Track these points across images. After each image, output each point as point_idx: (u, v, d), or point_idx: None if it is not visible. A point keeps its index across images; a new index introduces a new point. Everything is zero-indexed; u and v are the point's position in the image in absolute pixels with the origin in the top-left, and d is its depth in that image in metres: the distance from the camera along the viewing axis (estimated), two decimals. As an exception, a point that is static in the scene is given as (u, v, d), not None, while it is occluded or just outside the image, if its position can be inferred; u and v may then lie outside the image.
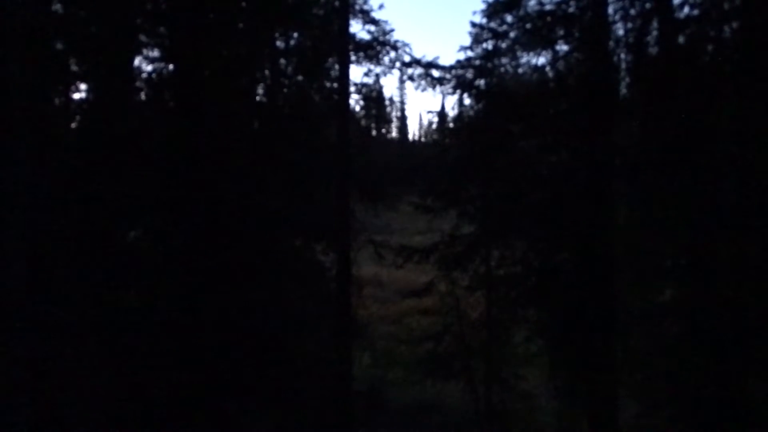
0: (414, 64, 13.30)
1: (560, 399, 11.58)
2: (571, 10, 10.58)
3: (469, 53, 12.61)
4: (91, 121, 9.94)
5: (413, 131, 71.56)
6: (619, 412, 10.27)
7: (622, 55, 10.53)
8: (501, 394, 12.41)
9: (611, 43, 10.28)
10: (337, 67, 12.93)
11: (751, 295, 8.44)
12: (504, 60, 12.34)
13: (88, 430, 7.57)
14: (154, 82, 10.09)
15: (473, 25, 12.21)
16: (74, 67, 10.00)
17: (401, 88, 61.47)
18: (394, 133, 61.46)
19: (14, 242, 7.04)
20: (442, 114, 27.44)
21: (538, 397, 12.81)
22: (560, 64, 11.08)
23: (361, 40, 13.24)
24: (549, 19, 10.71)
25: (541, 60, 11.39)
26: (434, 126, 55.55)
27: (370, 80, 13.80)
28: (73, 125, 10.39)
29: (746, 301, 8.47)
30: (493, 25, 11.91)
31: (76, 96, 10.42)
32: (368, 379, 14.59)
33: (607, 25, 10.19)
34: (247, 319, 9.26)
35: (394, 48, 13.30)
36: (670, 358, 9.74)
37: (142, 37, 10.12)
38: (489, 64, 12.47)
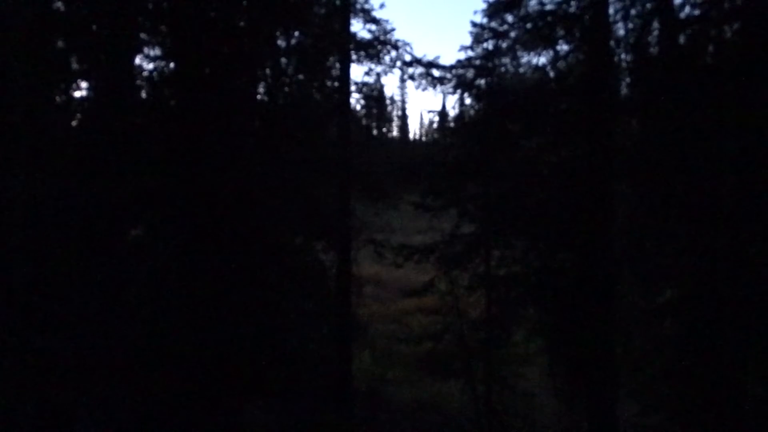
0: (415, 64, 13.31)
1: (560, 398, 11.60)
2: (571, 10, 10.58)
3: (470, 53, 12.63)
4: (92, 120, 9.95)
5: (414, 130, 71.58)
6: (619, 412, 10.29)
7: (623, 55, 10.54)
8: (500, 393, 12.42)
9: (612, 43, 10.28)
10: (338, 65, 12.95)
11: (751, 296, 8.45)
12: (505, 60, 12.35)
13: (90, 427, 7.59)
14: (154, 80, 10.10)
15: (474, 24, 12.22)
16: (75, 65, 10.00)
17: (402, 87, 61.56)
18: (395, 132, 61.52)
19: (16, 241, 7.06)
20: (442, 113, 27.41)
21: (538, 396, 12.82)
22: (561, 64, 11.09)
23: (362, 39, 13.26)
24: (550, 18, 10.71)
25: (542, 60, 11.41)
26: (435, 125, 55.62)
27: (370, 79, 13.81)
28: (74, 123, 10.40)
29: (746, 301, 8.48)
30: (493, 24, 11.92)
31: (77, 94, 10.43)
32: (368, 377, 14.62)
33: (607, 25, 10.19)
34: (247, 318, 9.26)
35: (395, 47, 13.31)
36: (669, 358, 9.76)
37: (143, 36, 10.12)
38: (490, 64, 12.48)
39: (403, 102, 61.19)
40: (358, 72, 63.93)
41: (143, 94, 10.59)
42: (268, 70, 11.79)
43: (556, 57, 11.02)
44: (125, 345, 8.18)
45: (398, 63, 13.44)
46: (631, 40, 10.16)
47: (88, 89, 10.34)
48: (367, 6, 12.99)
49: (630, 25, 10.19)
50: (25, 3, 8.16)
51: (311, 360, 10.93)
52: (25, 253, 7.29)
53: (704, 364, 8.85)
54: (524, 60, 11.91)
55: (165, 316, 8.99)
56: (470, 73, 12.87)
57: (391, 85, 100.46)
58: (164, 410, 8.49)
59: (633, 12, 10.10)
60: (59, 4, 9.80)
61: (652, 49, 10.13)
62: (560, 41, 10.88)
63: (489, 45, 12.24)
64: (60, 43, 9.55)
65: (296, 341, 10.48)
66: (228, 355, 8.95)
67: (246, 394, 9.86)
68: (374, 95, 14.76)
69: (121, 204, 8.85)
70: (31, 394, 7.27)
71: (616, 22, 10.26)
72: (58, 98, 9.87)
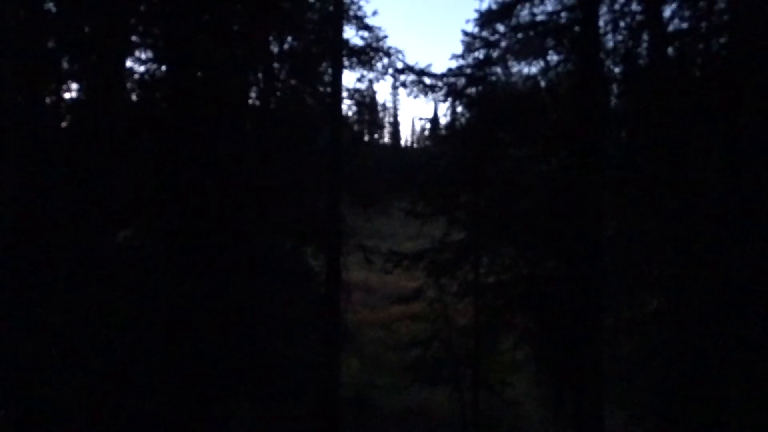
0: (407, 71, 13.34)
1: (546, 406, 11.62)
2: (562, 21, 10.69)
3: (462, 61, 12.69)
4: (82, 121, 9.89)
5: (405, 137, 71.65)
6: (605, 420, 10.33)
7: (613, 67, 10.65)
8: (488, 401, 12.42)
9: (602, 55, 10.40)
10: (330, 71, 12.95)
11: (736, 306, 8.54)
12: (496, 69, 12.44)
13: (78, 430, 7.51)
14: (146, 83, 10.06)
15: (466, 33, 12.30)
16: (66, 66, 9.96)
17: (394, 94, 61.62)
18: (386, 139, 61.45)
19: (5, 241, 6.99)
20: (434, 121, 27.42)
21: (525, 404, 12.84)
22: (551, 74, 11.19)
23: (355, 45, 13.27)
24: (540, 29, 10.82)
25: (533, 70, 11.51)
26: (426, 133, 55.68)
27: (362, 86, 13.82)
28: (64, 124, 10.33)
29: (731, 311, 8.57)
30: (485, 34, 12.00)
31: (67, 95, 10.37)
32: (356, 384, 14.55)
33: (597, 37, 10.30)
34: (234, 322, 9.22)
35: (387, 54, 13.35)
36: (656, 367, 9.82)
37: (135, 38, 10.10)
38: (481, 73, 12.55)
39: (395, 109, 61.33)
40: (350, 78, 63.75)
41: (134, 97, 10.56)
42: (260, 75, 11.81)
43: (547, 67, 11.12)
44: (112, 348, 8.11)
45: (390, 70, 13.48)
46: (621, 52, 10.28)
47: (79, 90, 10.29)
48: (360, 13, 13.03)
49: (619, 37, 10.32)
50: (16, 3, 8.13)
51: (299, 366, 10.88)
52: (14, 255, 7.22)
53: (690, 373, 8.92)
54: (515, 70, 12.03)
55: (152, 319, 8.93)
56: (461, 82, 12.94)
57: (382, 91, 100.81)
58: (151, 415, 8.42)
59: (622, 24, 10.22)
60: (50, 5, 9.76)
61: (641, 61, 10.25)
62: (551, 52, 10.98)
63: (480, 54, 12.33)
64: (51, 44, 9.51)
65: (284, 346, 10.43)
66: (215, 360, 8.89)
67: (233, 399, 9.80)
68: (366, 102, 14.80)
69: (110, 206, 8.80)
70: (19, 395, 7.19)
71: (606, 33, 10.38)
72: (47, 99, 9.81)
